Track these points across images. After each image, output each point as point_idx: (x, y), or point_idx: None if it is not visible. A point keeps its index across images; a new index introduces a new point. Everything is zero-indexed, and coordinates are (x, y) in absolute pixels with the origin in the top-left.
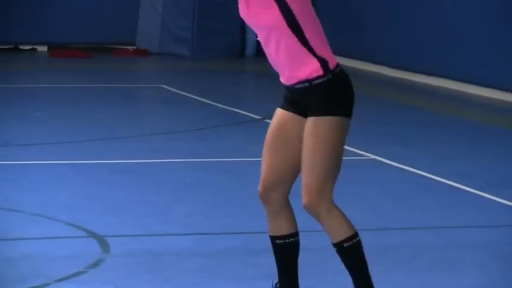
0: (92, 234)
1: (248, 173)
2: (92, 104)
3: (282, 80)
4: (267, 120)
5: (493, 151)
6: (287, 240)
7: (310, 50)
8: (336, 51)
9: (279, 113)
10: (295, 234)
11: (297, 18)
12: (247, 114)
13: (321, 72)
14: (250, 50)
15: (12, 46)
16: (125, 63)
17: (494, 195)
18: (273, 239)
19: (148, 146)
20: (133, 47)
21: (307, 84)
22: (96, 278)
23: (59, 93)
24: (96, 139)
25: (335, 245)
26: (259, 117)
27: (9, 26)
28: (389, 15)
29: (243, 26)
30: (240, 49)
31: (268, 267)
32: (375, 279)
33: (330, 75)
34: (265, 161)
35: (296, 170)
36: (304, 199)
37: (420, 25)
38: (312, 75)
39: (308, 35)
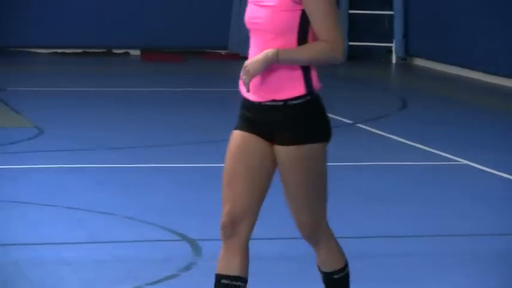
0: (184, 238)
1: (340, 177)
2: (184, 108)
3: (250, 94)
4: (359, 125)
5: None
6: (234, 283)
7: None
8: (426, 55)
9: (237, 136)
10: (244, 281)
11: (308, 26)
12: (340, 119)
13: (302, 91)
14: None
15: (105, 50)
16: (217, 67)
17: None
18: (220, 277)
19: None
20: (226, 51)
21: (281, 103)
22: (188, 281)
23: (151, 96)
24: (189, 143)
25: (325, 273)
26: (350, 122)
27: (102, 30)
28: (481, 18)
29: None
30: None
31: (361, 271)
32: (468, 285)
33: (309, 97)
34: (230, 190)
35: (263, 198)
36: (302, 234)
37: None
38: (292, 93)
39: None
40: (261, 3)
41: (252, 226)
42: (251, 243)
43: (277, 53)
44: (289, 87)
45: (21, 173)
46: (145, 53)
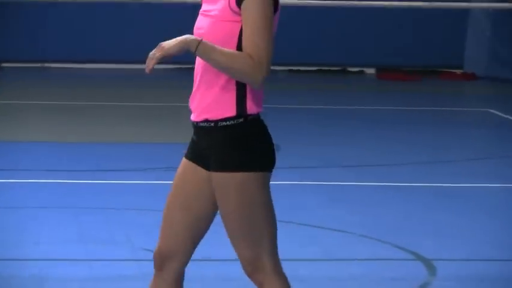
0: (418, 257)
1: None
2: (418, 126)
3: (192, 115)
4: None
5: None
6: None
7: (242, 84)
8: None
9: (182, 163)
10: None
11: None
12: None
13: (233, 112)
14: None
15: (340, 68)
16: (452, 87)
17: None
18: None
19: (474, 171)
20: (461, 71)
21: (212, 123)
22: None
23: (386, 114)
24: (422, 162)
25: None
26: None
27: (338, 49)
28: None
29: None
30: None
31: None
32: None
33: (241, 119)
34: (165, 221)
35: (200, 235)
36: (244, 270)
37: None
38: (223, 114)
39: None
40: (206, 13)
41: (185, 263)
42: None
43: (198, 43)
44: (221, 107)
45: None
46: (381, 72)
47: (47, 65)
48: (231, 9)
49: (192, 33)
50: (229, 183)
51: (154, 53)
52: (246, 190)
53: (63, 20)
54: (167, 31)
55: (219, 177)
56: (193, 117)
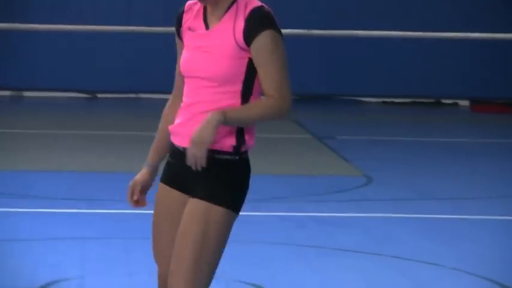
0: None
1: None
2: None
3: (178, 139)
4: None
5: None
6: None
7: None
8: None
9: (161, 188)
10: None
11: (255, 77)
12: None
13: (230, 148)
14: None
15: (434, 100)
16: None
17: None
18: None
19: None
20: None
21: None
22: None
23: (478, 147)
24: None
25: None
26: None
27: (430, 80)
28: None
29: None
30: None
31: None
32: None
33: (237, 157)
34: (158, 251)
35: None
36: None
37: None
38: (221, 146)
39: (252, 100)
40: (203, 49)
41: None
42: None
43: (224, 115)
44: (220, 139)
45: (350, 221)
46: (475, 104)
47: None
48: (239, 46)
49: None
50: (212, 214)
51: (196, 153)
52: (224, 227)
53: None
54: None
55: (202, 205)
56: (180, 142)
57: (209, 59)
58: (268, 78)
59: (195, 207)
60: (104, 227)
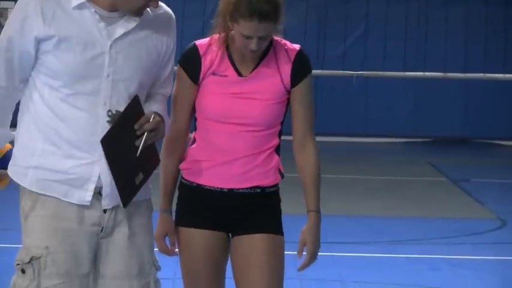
0: None
1: None
2: None
3: (216, 181)
4: None
5: None
6: None
7: (277, 148)
8: None
9: (189, 232)
10: None
11: (285, 116)
12: None
13: (278, 178)
14: None
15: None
16: None
17: None
18: None
19: None
20: None
21: (258, 190)
22: None
23: None
24: None
25: None
26: None
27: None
28: None
29: None
30: None
31: None
32: None
33: (277, 187)
34: None
35: None
36: None
37: None
38: (273, 181)
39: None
40: (243, 95)
41: None
42: None
43: (317, 210)
44: (270, 174)
45: (484, 264)
46: None
47: None
48: (285, 89)
49: None
50: (278, 246)
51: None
52: (283, 253)
53: None
54: None
55: (270, 239)
56: (221, 183)
57: (255, 105)
58: (304, 118)
59: (262, 242)
60: None
